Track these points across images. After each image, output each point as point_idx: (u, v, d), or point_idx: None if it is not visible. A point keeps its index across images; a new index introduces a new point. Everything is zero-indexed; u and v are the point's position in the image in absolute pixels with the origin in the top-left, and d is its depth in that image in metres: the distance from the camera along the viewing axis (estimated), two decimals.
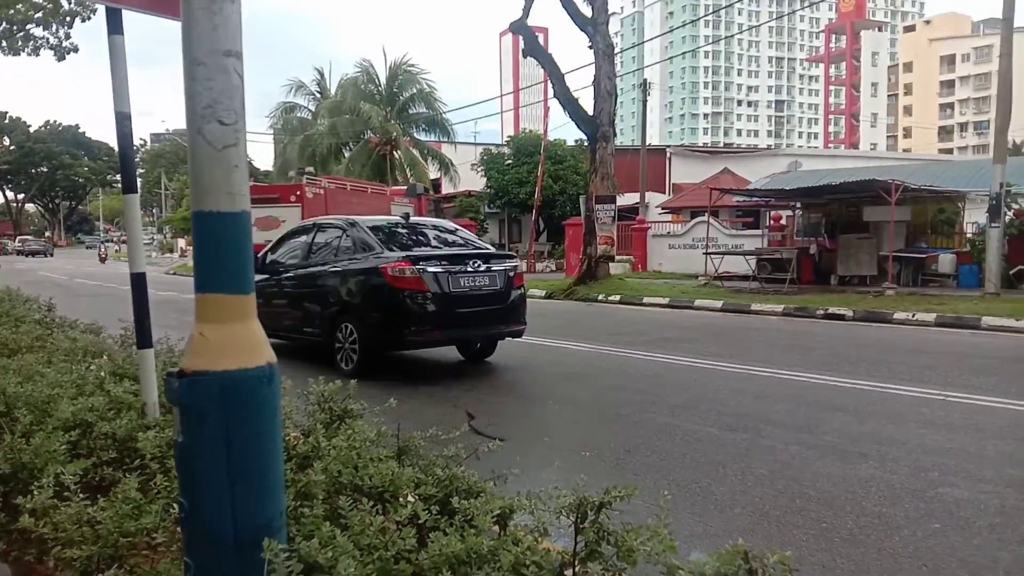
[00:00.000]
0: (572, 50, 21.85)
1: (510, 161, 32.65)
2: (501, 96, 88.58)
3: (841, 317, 11.78)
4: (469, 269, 7.21)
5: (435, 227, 8.50)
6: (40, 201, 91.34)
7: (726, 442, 4.74)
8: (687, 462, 4.35)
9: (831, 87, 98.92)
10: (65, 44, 11.84)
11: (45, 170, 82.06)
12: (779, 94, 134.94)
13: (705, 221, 20.63)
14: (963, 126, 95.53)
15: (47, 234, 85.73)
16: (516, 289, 7.62)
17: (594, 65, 17.31)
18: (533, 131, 35.65)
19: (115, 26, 3.48)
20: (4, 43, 11.53)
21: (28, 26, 11.40)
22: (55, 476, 2.45)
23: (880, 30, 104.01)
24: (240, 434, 1.75)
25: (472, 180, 34.33)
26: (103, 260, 42.85)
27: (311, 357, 7.92)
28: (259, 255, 8.61)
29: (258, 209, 13.48)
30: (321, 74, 38.59)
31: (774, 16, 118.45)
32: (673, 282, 18.90)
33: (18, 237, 69.97)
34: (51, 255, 57.18)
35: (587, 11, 17.33)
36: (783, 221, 21.44)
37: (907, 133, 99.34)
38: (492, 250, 8.39)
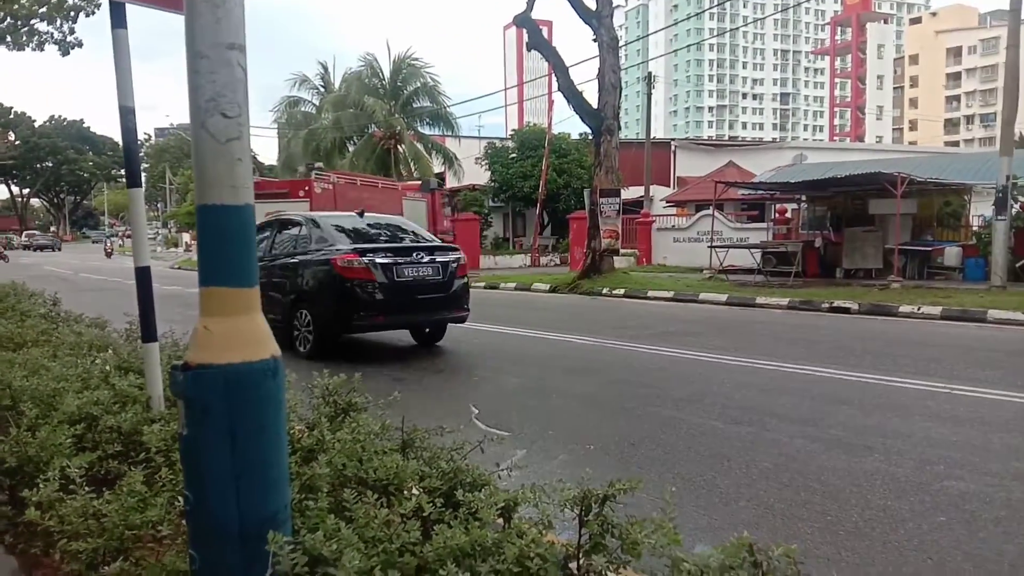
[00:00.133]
0: (576, 43, 21.85)
1: (514, 155, 32.56)
2: (505, 90, 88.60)
3: (846, 310, 11.76)
4: (414, 260, 7.89)
5: (388, 223, 9.22)
6: (45, 196, 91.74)
7: (731, 435, 4.74)
8: (692, 455, 4.35)
9: (836, 80, 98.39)
10: (69, 39, 11.83)
11: (50, 165, 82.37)
12: (784, 87, 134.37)
13: (710, 214, 20.57)
14: (969, 119, 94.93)
15: (52, 229, 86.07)
16: (459, 279, 8.27)
17: (598, 58, 17.22)
18: (537, 125, 35.52)
19: (119, 20, 3.50)
20: (9, 38, 11.53)
21: (32, 21, 11.40)
22: (61, 469, 2.46)
23: (886, 22, 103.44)
24: (244, 427, 1.75)
25: (476, 174, 34.27)
26: (109, 255, 42.81)
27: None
28: None
29: (267, 204, 13.52)
30: (325, 68, 38.68)
31: (779, 8, 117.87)
32: (678, 276, 18.89)
33: (25, 232, 70.22)
34: (59, 249, 57.47)
35: (591, 4, 17.25)
36: (788, 214, 21.36)
37: (913, 126, 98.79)
38: (438, 243, 9.11)
